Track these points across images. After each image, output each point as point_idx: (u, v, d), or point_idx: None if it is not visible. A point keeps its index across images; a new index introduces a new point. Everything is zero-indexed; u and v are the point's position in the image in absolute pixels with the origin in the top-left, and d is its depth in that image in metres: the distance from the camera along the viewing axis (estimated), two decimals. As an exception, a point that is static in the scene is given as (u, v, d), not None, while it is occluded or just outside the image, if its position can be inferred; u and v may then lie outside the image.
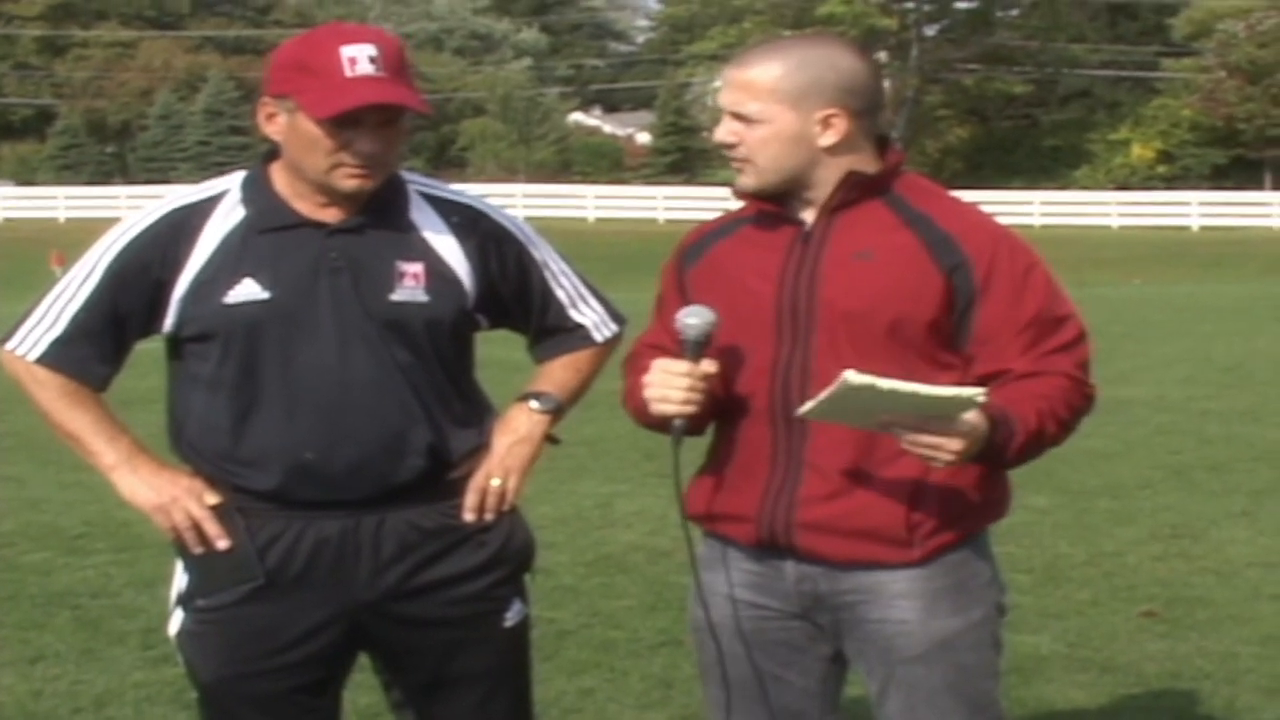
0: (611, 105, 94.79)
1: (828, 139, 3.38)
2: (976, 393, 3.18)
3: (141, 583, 8.13)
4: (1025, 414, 3.30)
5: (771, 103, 3.36)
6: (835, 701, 3.66)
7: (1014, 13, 74.26)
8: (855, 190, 3.42)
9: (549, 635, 6.56)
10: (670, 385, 3.36)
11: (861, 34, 60.20)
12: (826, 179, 3.42)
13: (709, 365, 3.37)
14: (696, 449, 3.65)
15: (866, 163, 3.44)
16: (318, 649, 3.62)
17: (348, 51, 3.42)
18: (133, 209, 3.79)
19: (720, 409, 3.50)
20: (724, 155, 3.51)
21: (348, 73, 3.41)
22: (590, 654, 6.71)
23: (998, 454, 3.28)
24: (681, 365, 3.36)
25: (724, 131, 3.44)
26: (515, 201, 52.25)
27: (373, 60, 3.42)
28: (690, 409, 3.36)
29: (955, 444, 3.18)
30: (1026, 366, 3.36)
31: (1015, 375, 3.35)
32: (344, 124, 3.42)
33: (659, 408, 3.38)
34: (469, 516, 3.66)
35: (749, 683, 3.58)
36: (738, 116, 3.41)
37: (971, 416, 3.19)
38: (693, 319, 3.36)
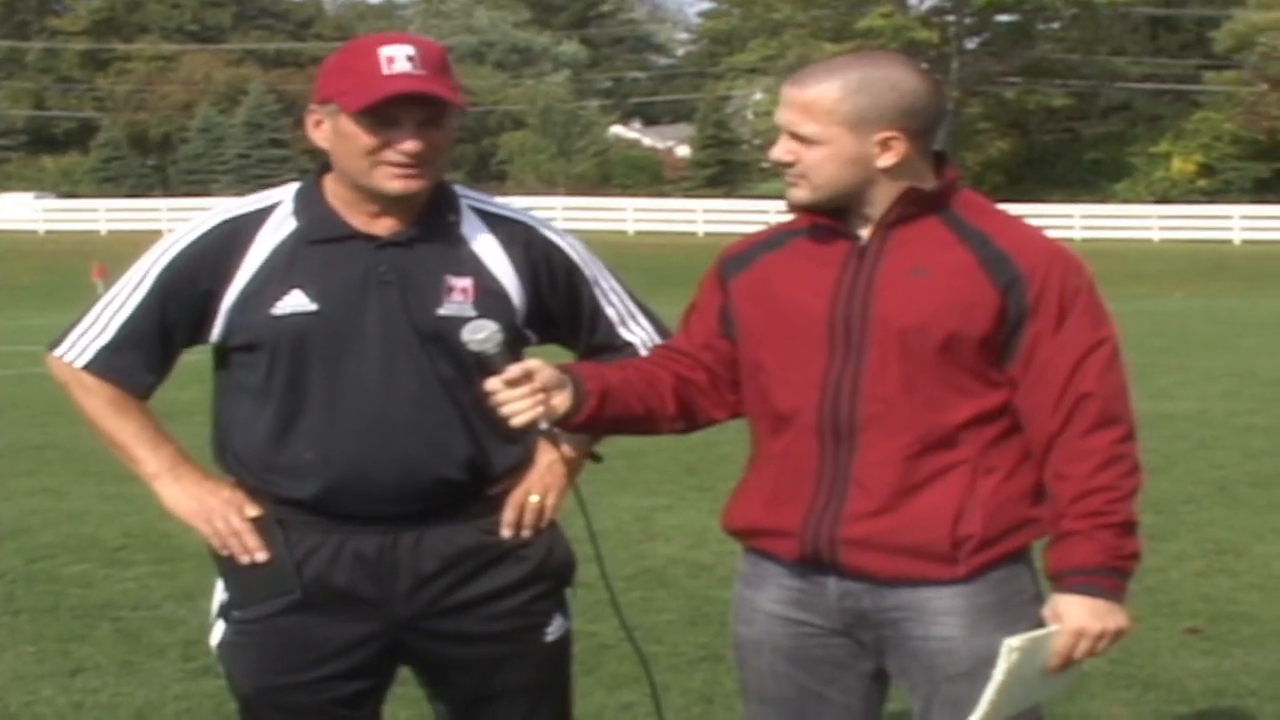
0: (651, 118, 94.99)
1: (886, 160, 3.35)
2: (1053, 629, 3.34)
3: (182, 595, 8.16)
4: (1090, 545, 3.32)
5: (830, 124, 3.33)
6: (876, 718, 3.63)
7: (1055, 26, 74.01)
8: (912, 206, 3.39)
9: (589, 649, 6.54)
10: (509, 401, 3.31)
11: (902, 47, 59.82)
12: (882, 196, 3.39)
13: (515, 369, 3.31)
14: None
15: (923, 180, 3.41)
16: (355, 663, 3.62)
17: (385, 51, 3.44)
18: (173, 221, 3.81)
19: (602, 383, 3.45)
20: (778, 170, 3.46)
21: (385, 70, 3.42)
22: (630, 668, 6.67)
23: (1125, 570, 3.36)
24: (495, 382, 3.32)
25: (781, 150, 3.41)
26: (555, 214, 52.28)
27: (410, 59, 3.43)
28: (540, 409, 3.31)
29: (1111, 632, 3.34)
30: (1069, 451, 3.34)
31: (1060, 480, 3.36)
32: (383, 121, 3.42)
33: (517, 421, 3.32)
34: (507, 532, 3.65)
35: (790, 700, 3.56)
36: (795, 136, 3.38)
37: (1068, 615, 3.32)
38: (480, 334, 3.34)
